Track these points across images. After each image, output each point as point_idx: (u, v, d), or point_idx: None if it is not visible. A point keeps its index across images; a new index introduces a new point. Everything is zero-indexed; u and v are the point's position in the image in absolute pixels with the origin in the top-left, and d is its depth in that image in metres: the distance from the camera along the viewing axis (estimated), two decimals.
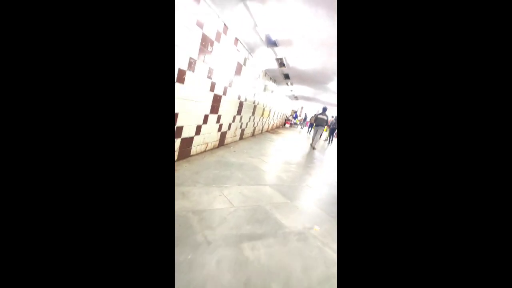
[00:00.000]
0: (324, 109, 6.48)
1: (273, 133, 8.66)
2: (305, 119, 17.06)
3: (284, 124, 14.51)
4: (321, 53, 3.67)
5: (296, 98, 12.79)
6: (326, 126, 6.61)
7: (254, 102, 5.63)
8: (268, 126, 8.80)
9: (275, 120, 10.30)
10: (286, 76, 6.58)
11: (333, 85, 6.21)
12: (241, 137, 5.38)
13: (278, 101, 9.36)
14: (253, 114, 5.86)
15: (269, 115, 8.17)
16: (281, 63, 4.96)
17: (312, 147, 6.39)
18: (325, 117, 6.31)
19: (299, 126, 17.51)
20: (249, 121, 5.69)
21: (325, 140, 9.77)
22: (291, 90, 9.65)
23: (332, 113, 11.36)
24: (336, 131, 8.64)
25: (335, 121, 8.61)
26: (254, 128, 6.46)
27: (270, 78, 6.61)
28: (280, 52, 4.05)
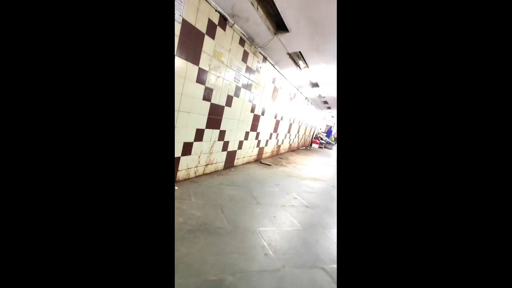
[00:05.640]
0: None
1: (272, 164, 4.29)
2: None
3: (311, 145, 9.86)
4: None
5: (326, 104, 8.22)
6: None
7: None
8: (262, 151, 4.50)
9: (289, 139, 5.96)
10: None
11: None
12: None
13: (280, 100, 5.06)
14: None
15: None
16: None
17: None
18: None
19: (335, 146, 12.59)
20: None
21: None
22: (313, 84, 5.30)
23: None
24: None
25: None
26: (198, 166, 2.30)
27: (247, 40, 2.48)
28: None
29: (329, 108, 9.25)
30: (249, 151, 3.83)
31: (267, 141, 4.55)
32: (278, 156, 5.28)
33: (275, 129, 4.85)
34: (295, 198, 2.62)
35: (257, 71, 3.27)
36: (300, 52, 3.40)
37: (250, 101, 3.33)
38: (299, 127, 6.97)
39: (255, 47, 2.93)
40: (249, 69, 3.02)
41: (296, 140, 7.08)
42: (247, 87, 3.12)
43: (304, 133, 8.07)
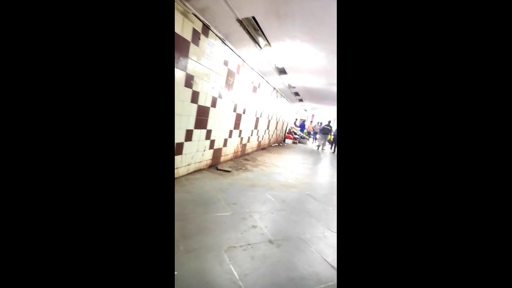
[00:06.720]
0: (329, 121, 8.74)
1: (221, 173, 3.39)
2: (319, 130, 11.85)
3: (284, 140, 9.18)
4: None
5: (298, 96, 7.54)
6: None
7: None
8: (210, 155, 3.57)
9: (258, 136, 5.09)
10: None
11: None
12: None
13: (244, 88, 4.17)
14: None
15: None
16: None
17: (322, 148, 8.52)
18: (329, 128, 8.37)
19: (311, 139, 12.15)
20: None
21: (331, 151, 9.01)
22: (280, 70, 4.48)
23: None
24: None
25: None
26: None
27: None
28: None
29: (301, 100, 8.61)
30: (197, 155, 2.87)
31: (225, 140, 3.62)
32: (243, 158, 4.40)
33: (237, 125, 3.94)
34: (254, 227, 1.75)
35: (196, 44, 2.31)
36: (255, 20, 2.52)
37: (188, 87, 2.36)
38: (269, 121, 6.16)
39: (184, 3, 1.96)
40: (179, 38, 2.05)
41: (266, 136, 6.27)
42: (181, 66, 2.15)
43: (276, 128, 7.30)
